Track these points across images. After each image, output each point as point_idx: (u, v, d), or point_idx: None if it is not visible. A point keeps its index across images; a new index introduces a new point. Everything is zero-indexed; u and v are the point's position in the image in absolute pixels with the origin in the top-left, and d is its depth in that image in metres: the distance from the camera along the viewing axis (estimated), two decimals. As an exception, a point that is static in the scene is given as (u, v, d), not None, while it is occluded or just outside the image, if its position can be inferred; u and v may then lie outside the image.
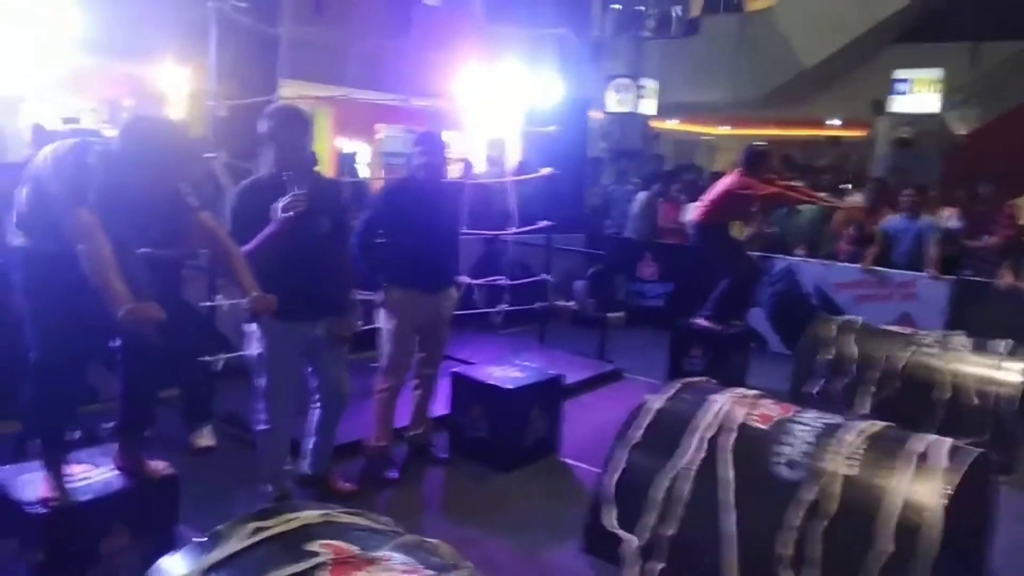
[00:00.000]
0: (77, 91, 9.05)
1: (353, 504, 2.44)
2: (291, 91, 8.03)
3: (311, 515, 1.87)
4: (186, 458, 3.79)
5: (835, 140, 12.81)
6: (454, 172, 8.24)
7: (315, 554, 1.70)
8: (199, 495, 3.13)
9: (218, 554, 1.73)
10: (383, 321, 4.01)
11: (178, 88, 8.31)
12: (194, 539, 1.81)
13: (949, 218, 7.24)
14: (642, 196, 8.43)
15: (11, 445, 3.38)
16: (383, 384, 4.04)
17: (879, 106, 11.60)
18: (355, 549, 1.74)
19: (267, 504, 2.78)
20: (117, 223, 2.43)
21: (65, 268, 2.38)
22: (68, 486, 2.52)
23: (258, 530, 1.78)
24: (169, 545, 2.45)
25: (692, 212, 6.29)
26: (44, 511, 2.40)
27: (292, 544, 1.74)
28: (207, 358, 4.34)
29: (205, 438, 4.19)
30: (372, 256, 3.91)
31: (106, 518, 2.51)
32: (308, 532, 1.80)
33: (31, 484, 2.50)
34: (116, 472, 2.66)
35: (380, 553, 1.74)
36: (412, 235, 3.88)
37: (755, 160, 5.81)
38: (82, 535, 2.45)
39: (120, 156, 2.49)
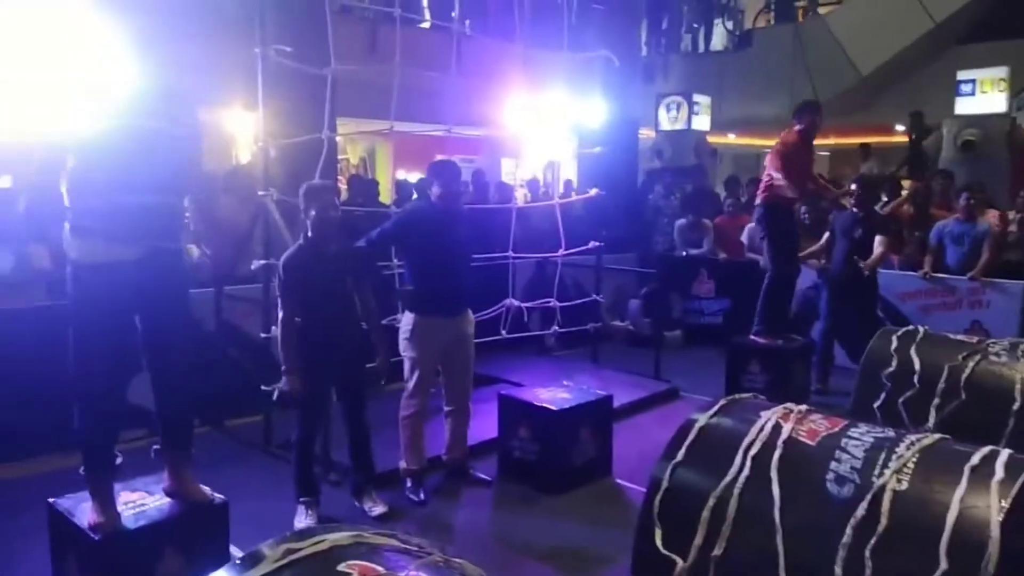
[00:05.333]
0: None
1: (391, 528, 2.48)
2: (346, 128, 8.32)
3: (341, 537, 1.91)
4: (238, 479, 3.90)
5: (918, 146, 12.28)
6: (519, 197, 8.36)
7: (343, 574, 1.75)
8: (253, 517, 3.23)
9: (255, 574, 1.80)
10: (405, 349, 4.11)
11: (245, 132, 8.69)
12: (232, 561, 1.88)
13: (1015, 220, 6.93)
14: (681, 223, 8.35)
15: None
16: (407, 409, 4.12)
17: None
18: (381, 570, 1.78)
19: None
20: None
21: (107, 284, 2.53)
22: (117, 512, 2.63)
23: (288, 551, 1.84)
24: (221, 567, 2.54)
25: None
26: (95, 537, 2.51)
27: (320, 565, 1.79)
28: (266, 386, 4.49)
29: (379, 504, 3.90)
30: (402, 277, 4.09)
31: (159, 543, 2.62)
32: (337, 554, 1.84)
33: (85, 511, 2.63)
34: (168, 499, 2.78)
35: (404, 574, 1.77)
36: (432, 262, 4.01)
37: (801, 111, 5.69)
38: (134, 561, 2.56)
39: None
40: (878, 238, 5.91)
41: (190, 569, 2.67)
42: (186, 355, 2.86)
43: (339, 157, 8.74)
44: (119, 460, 2.80)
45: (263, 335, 4.62)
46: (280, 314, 3.70)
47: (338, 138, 5.50)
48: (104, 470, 2.72)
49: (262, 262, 4.59)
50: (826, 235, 6.35)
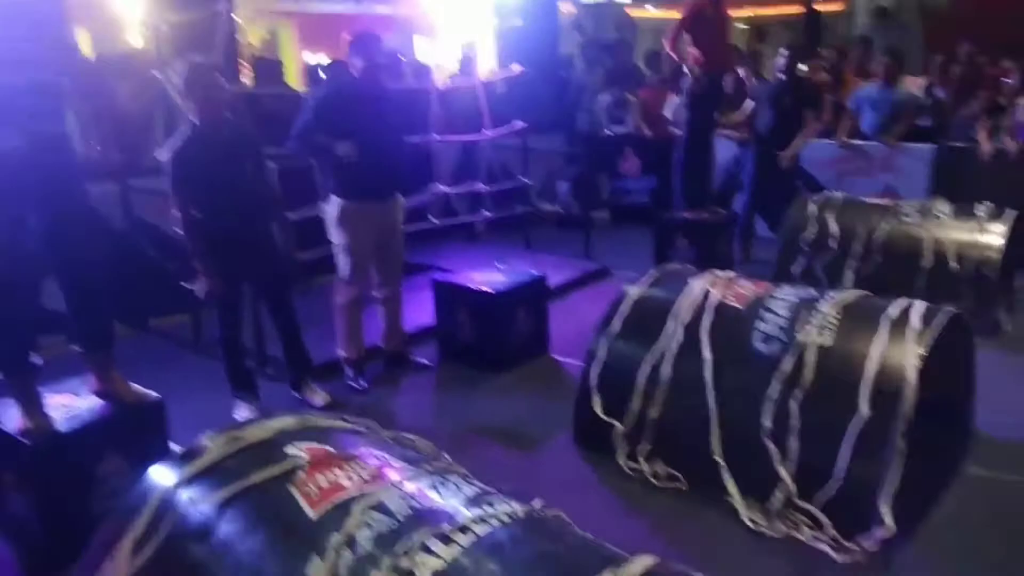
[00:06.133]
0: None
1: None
2: (250, 8, 7.75)
3: (287, 422, 1.90)
4: (173, 380, 3.81)
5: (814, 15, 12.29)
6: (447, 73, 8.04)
7: (292, 456, 1.74)
8: (191, 416, 3.18)
9: (199, 464, 1.77)
10: (336, 235, 3.96)
11: (133, 14, 8.00)
12: (175, 452, 1.85)
13: (931, 86, 7.11)
14: (604, 99, 8.20)
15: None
16: (343, 297, 4.03)
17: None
18: (331, 449, 1.78)
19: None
20: None
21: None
22: (47, 415, 2.54)
23: (235, 439, 1.82)
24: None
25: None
26: (27, 443, 2.43)
27: (267, 450, 1.78)
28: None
29: (320, 394, 3.85)
30: (323, 162, 3.88)
31: (96, 445, 2.56)
32: (283, 439, 1.83)
33: (12, 418, 2.53)
34: (100, 400, 2.69)
35: (356, 451, 1.78)
36: (356, 143, 3.76)
37: None
38: (72, 464, 2.50)
39: None
40: (809, 115, 5.94)
41: (131, 469, 2.62)
42: (92, 251, 2.66)
43: (239, 39, 8.17)
44: (39, 362, 2.67)
45: (175, 230, 4.41)
46: (178, 212, 3.46)
47: (237, 18, 5.11)
48: (23, 374, 2.60)
49: (166, 151, 4.31)
50: (750, 104, 6.36)
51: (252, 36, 12.97)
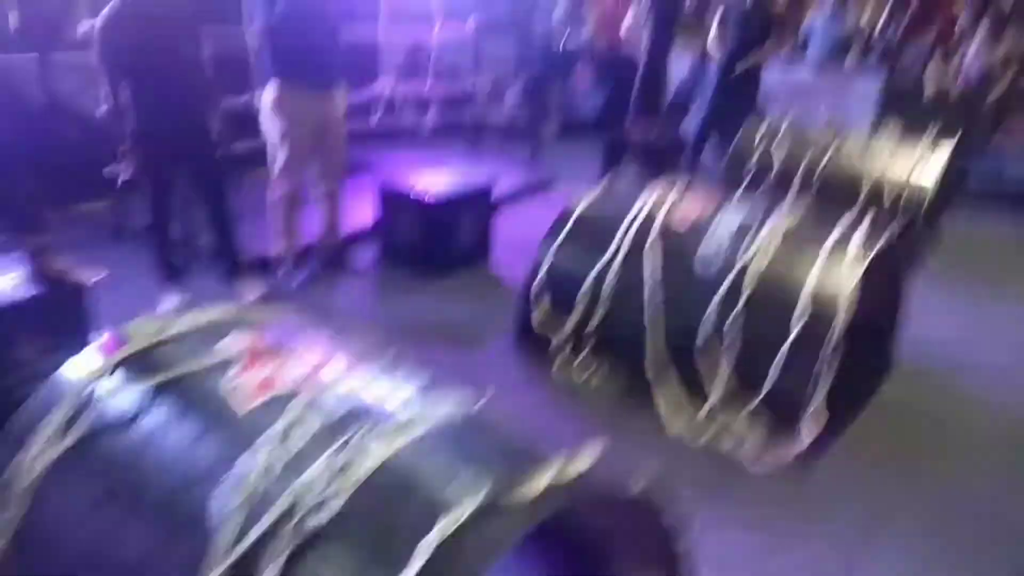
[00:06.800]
0: None
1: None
2: None
3: (220, 312, 1.82)
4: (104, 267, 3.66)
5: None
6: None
7: (224, 348, 1.67)
8: (115, 305, 3.04)
9: (124, 351, 1.69)
10: (270, 123, 3.76)
11: None
12: (98, 340, 1.75)
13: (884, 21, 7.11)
14: (560, 9, 7.92)
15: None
16: (278, 190, 3.86)
17: None
18: (268, 343, 1.71)
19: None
20: None
21: None
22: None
23: (165, 327, 1.73)
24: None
25: None
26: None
27: (201, 340, 1.70)
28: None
29: (253, 287, 3.70)
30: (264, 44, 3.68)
31: (9, 328, 2.42)
32: (221, 328, 1.75)
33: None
34: (19, 283, 2.54)
35: (294, 345, 1.72)
36: (293, 19, 3.55)
37: None
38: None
39: None
40: (770, 40, 5.89)
41: (51, 355, 2.51)
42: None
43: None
44: None
45: (100, 111, 4.12)
46: (106, 90, 3.24)
47: None
48: None
49: (90, 22, 3.97)
50: (714, 25, 6.26)
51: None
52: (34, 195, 2.76)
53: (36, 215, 2.68)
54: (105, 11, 3.21)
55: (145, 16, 3.19)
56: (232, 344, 1.68)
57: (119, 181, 3.84)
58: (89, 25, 3.90)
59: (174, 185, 3.58)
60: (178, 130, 3.36)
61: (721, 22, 6.17)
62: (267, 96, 3.72)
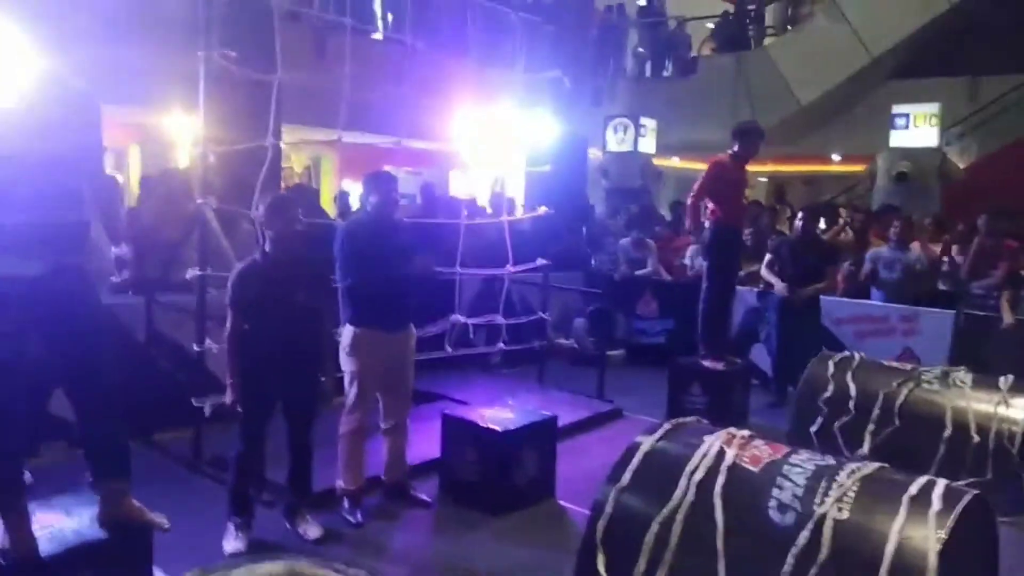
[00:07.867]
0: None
1: (329, 552, 2.38)
2: (292, 135, 8.17)
3: (273, 568, 1.82)
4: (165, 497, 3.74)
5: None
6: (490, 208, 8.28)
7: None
8: (180, 539, 3.07)
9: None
10: (346, 363, 4.00)
11: (185, 135, 8.44)
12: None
13: (950, 251, 7.19)
14: (625, 242, 8.41)
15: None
16: (347, 425, 4.01)
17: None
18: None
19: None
20: None
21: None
22: (31, 535, 2.46)
23: (218, 584, 1.74)
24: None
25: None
26: (2, 562, 2.34)
27: (251, 599, 1.69)
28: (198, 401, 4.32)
29: (314, 526, 3.75)
30: (342, 291, 4.00)
31: (75, 569, 2.46)
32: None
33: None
34: (87, 522, 2.61)
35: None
36: (371, 273, 3.90)
37: (735, 137, 5.73)
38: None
39: None
40: (830, 270, 6.14)
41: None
42: (110, 376, 2.68)
43: (283, 165, 8.59)
44: (29, 480, 2.61)
45: (196, 348, 4.44)
46: (228, 325, 3.59)
47: (282, 145, 5.37)
48: (12, 492, 2.53)
49: (197, 272, 4.42)
50: (767, 258, 6.49)
51: (295, 163, 13.67)
52: (129, 435, 2.88)
53: (127, 458, 2.78)
54: (245, 264, 3.67)
55: (274, 272, 3.59)
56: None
57: (206, 411, 4.04)
58: (197, 273, 4.36)
59: (271, 416, 3.72)
60: (288, 365, 3.60)
61: (773, 253, 6.44)
62: (345, 338, 3.98)
